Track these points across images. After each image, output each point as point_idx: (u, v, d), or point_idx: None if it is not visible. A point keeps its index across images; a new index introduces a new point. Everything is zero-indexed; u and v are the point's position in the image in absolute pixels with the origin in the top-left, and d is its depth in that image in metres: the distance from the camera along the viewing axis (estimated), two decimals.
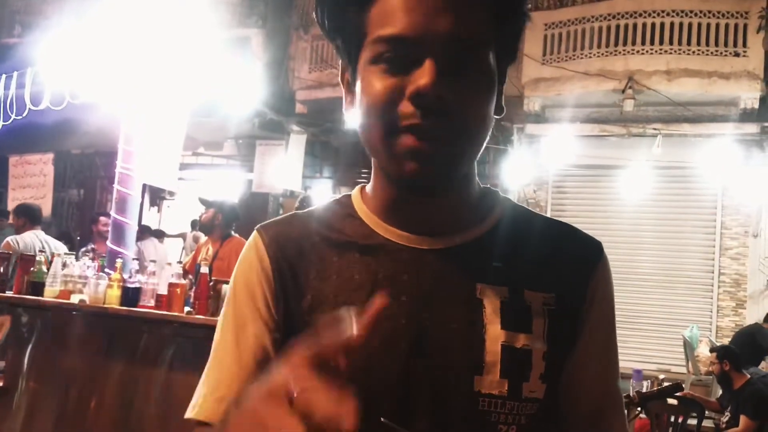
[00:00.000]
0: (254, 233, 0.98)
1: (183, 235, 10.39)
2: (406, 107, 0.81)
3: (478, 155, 0.89)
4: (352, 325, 0.63)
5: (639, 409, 2.72)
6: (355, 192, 0.99)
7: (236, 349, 0.92)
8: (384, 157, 0.87)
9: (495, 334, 0.86)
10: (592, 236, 0.98)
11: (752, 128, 9.19)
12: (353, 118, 0.89)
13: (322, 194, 9.35)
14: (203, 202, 5.52)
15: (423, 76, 0.79)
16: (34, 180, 10.58)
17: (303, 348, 0.62)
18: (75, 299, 4.02)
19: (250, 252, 0.96)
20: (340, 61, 0.92)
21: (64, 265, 4.15)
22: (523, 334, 0.87)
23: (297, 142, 10.11)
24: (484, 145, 0.88)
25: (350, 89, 0.91)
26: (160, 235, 10.00)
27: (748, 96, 9.04)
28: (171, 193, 11.41)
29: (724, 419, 5.44)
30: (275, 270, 0.92)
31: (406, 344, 0.85)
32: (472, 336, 0.86)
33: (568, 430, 0.93)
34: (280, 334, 0.91)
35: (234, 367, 0.91)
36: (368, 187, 0.97)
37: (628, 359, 8.79)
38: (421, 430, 0.84)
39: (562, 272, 0.92)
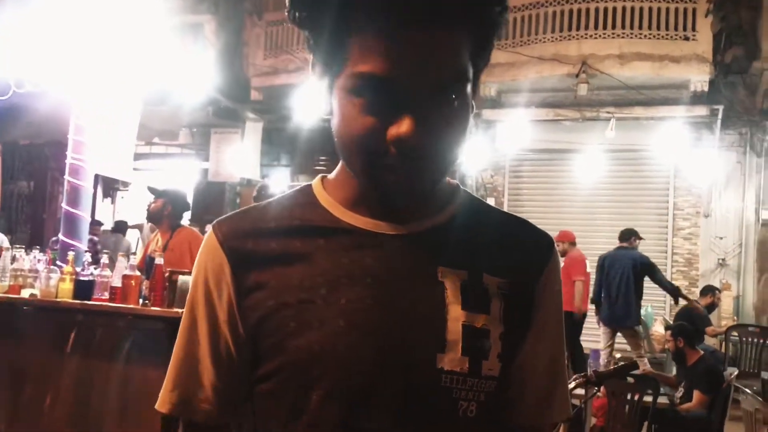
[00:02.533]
0: (209, 230, 0.98)
1: (140, 226, 10.21)
2: (386, 147, 0.83)
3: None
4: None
5: (596, 388, 2.77)
6: (316, 182, 1.00)
7: (196, 345, 0.96)
8: (364, 183, 0.90)
9: (456, 314, 0.89)
10: (544, 231, 1.04)
11: (702, 111, 9.40)
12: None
13: (281, 182, 9.26)
14: (152, 191, 5.38)
15: (404, 125, 0.81)
16: None
17: None
18: (26, 294, 3.92)
19: (207, 250, 0.97)
20: (312, 55, 0.91)
21: (14, 259, 4.04)
22: (482, 315, 0.91)
23: (253, 129, 10.00)
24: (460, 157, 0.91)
25: (325, 89, 0.91)
26: (123, 227, 9.83)
27: (698, 79, 9.22)
28: (125, 184, 11.20)
29: (678, 395, 5.57)
30: (232, 266, 0.93)
31: (371, 324, 0.88)
32: (435, 316, 0.89)
33: (514, 411, 0.98)
34: (245, 325, 0.93)
35: (196, 364, 0.96)
36: (331, 177, 0.99)
37: (584, 339, 8.94)
38: (386, 405, 0.87)
39: (517, 260, 0.96)
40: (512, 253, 0.97)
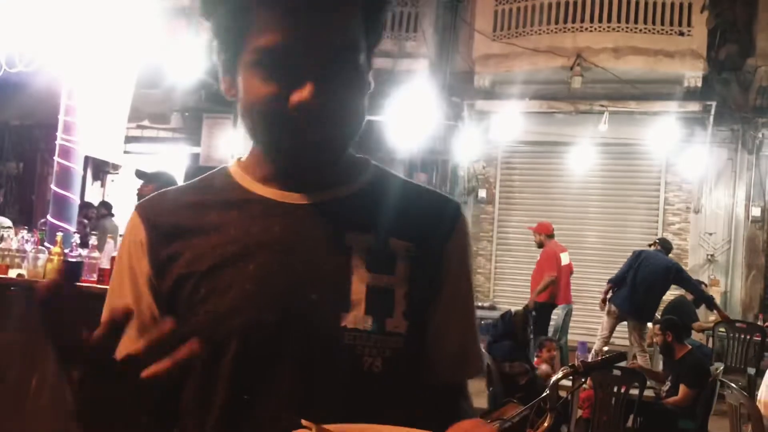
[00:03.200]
0: (132, 212, 1.03)
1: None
2: (288, 114, 0.88)
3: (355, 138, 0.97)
4: None
5: (584, 379, 2.77)
6: (232, 162, 1.06)
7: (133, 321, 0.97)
8: (268, 151, 0.96)
9: (361, 275, 0.94)
10: (453, 198, 1.10)
11: (695, 106, 9.41)
12: (234, 100, 0.96)
13: None
14: (140, 174, 5.34)
15: (303, 90, 0.87)
16: None
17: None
18: (13, 274, 3.90)
19: (128, 228, 1.02)
20: (216, 42, 0.96)
21: (1, 239, 4.01)
22: (387, 276, 0.96)
23: None
24: (361, 128, 0.96)
25: (227, 71, 0.96)
26: (107, 208, 9.75)
27: (692, 75, 9.23)
28: (115, 167, 11.12)
29: (665, 388, 5.60)
30: (150, 242, 0.98)
31: (277, 287, 0.93)
32: (340, 278, 0.94)
33: (431, 364, 1.02)
34: (161, 296, 0.97)
35: (133, 340, 0.95)
36: (244, 158, 1.05)
37: (573, 332, 8.98)
38: (291, 364, 0.91)
39: (425, 226, 1.02)
40: (420, 219, 1.02)
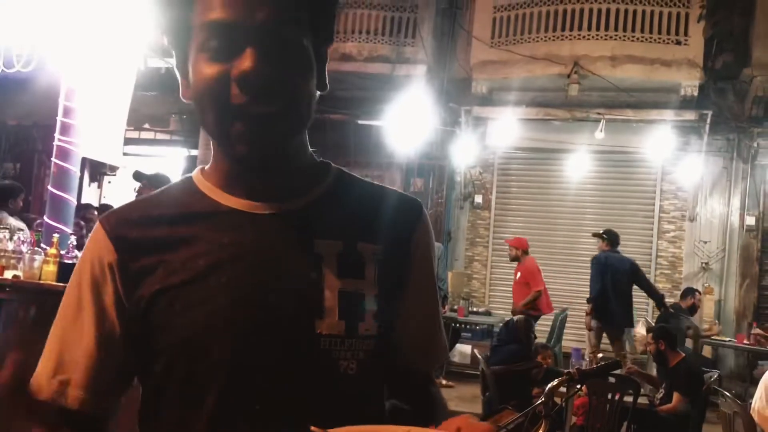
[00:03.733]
0: (97, 224, 1.02)
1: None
2: (233, 90, 0.89)
3: (306, 127, 0.99)
4: None
5: (579, 386, 2.78)
6: (195, 172, 1.06)
7: (78, 333, 0.98)
8: (218, 139, 0.96)
9: (332, 282, 0.96)
10: (414, 197, 1.12)
11: (691, 115, 9.44)
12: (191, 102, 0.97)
13: None
14: (138, 176, 5.35)
15: (245, 61, 0.88)
16: None
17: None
18: (8, 275, 3.89)
19: (93, 241, 1.00)
20: (174, 51, 0.99)
21: None
22: (357, 280, 0.98)
23: None
24: (311, 117, 0.97)
25: (184, 75, 0.99)
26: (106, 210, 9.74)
27: (688, 83, 9.27)
28: (112, 169, 11.12)
29: (659, 396, 5.62)
30: (120, 258, 0.97)
31: (251, 299, 0.93)
32: (312, 286, 0.96)
33: (400, 359, 1.07)
34: (130, 312, 0.96)
35: (78, 351, 0.97)
36: (207, 166, 1.05)
37: (567, 339, 9.00)
38: (269, 373, 0.93)
39: (388, 227, 1.04)
40: (384, 221, 1.04)
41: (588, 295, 8.10)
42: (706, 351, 8.67)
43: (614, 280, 7.68)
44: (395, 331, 1.03)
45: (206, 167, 1.05)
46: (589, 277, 8.13)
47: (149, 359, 0.96)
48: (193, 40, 0.93)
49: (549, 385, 2.22)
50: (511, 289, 8.74)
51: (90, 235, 1.03)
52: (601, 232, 8.20)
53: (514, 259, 8.55)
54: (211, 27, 0.90)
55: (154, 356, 0.95)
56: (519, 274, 8.43)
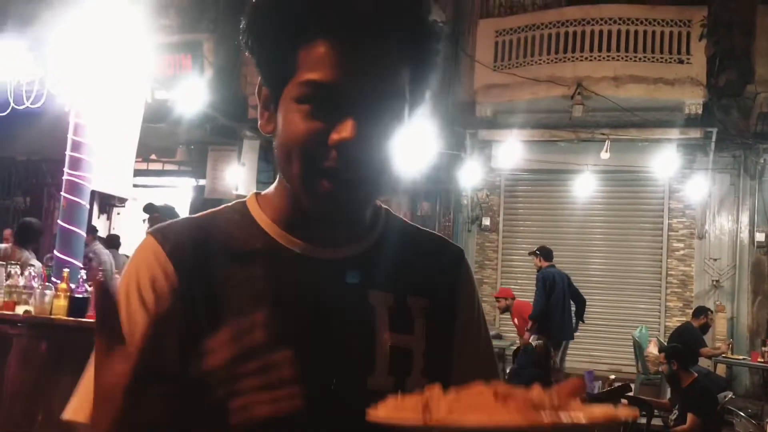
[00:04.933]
0: (149, 238, 0.96)
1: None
2: (327, 152, 0.86)
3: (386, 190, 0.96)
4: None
5: None
6: (251, 199, 1.02)
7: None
8: (300, 191, 0.92)
9: (384, 336, 0.95)
10: (456, 245, 1.11)
11: (696, 133, 9.46)
12: (271, 139, 0.94)
13: None
14: (149, 208, 5.42)
15: (346, 129, 0.85)
16: None
17: None
18: (20, 310, 3.91)
19: (147, 258, 0.94)
20: (260, 77, 0.95)
21: (9, 275, 4.04)
22: (407, 336, 0.97)
23: (250, 147, 10.03)
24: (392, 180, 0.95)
25: (267, 107, 0.95)
26: (115, 242, 9.78)
27: (692, 102, 9.30)
28: (121, 201, 11.19)
29: (672, 417, 5.56)
30: (179, 274, 0.92)
31: (303, 348, 0.87)
32: (366, 339, 0.94)
33: None
34: (178, 339, 0.90)
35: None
36: (267, 193, 1.01)
37: (579, 360, 8.95)
38: (322, 427, 0.90)
39: (435, 279, 1.03)
40: (432, 272, 1.03)
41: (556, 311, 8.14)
42: (720, 370, 8.59)
43: (560, 295, 7.98)
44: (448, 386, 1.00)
45: (263, 193, 1.01)
46: (599, 297, 8.13)
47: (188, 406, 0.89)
48: (290, 86, 0.89)
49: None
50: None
51: (139, 250, 0.96)
52: (534, 249, 8.53)
53: (504, 309, 8.70)
54: (315, 87, 0.86)
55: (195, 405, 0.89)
56: (516, 319, 8.51)
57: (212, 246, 0.95)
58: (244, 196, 1.06)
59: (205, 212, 1.01)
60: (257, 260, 0.94)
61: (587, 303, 8.45)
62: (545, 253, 8.33)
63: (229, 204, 1.03)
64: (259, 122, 0.96)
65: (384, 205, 1.08)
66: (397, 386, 0.93)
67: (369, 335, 0.94)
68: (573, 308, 8.25)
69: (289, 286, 0.93)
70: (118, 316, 0.83)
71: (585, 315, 8.40)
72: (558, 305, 7.93)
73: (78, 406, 0.93)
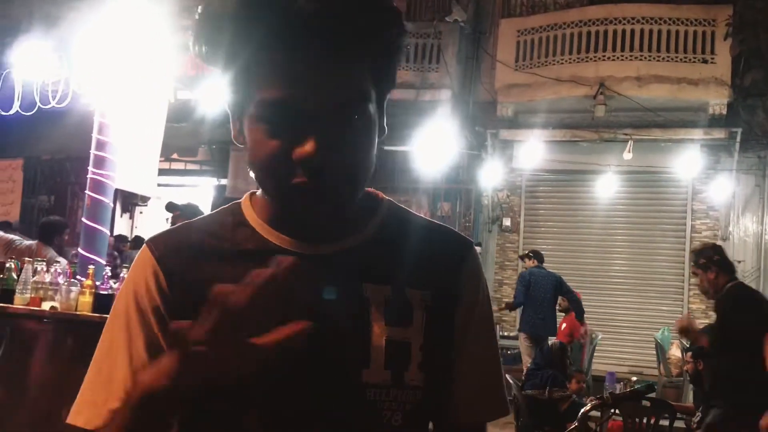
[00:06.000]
0: (144, 247, 0.99)
1: None
2: (294, 168, 0.86)
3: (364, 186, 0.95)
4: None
5: (612, 410, 2.76)
6: (245, 199, 1.03)
7: (128, 362, 0.94)
8: (279, 205, 0.93)
9: (379, 329, 0.93)
10: (465, 236, 1.08)
11: (720, 133, 9.35)
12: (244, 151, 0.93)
13: None
14: (171, 207, 5.47)
15: (307, 144, 0.84)
16: (3, 186, 10.42)
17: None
18: (46, 306, 3.96)
19: (143, 267, 0.97)
20: (227, 91, 0.94)
21: (35, 272, 4.09)
22: (404, 329, 0.95)
23: None
24: (370, 175, 0.93)
25: (236, 117, 0.94)
26: (140, 244, 9.90)
27: (716, 102, 9.19)
28: (144, 200, 11.31)
29: (695, 419, 5.50)
30: (170, 283, 0.94)
31: (299, 345, 0.89)
32: (360, 333, 0.93)
33: (452, 413, 1.01)
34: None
35: (128, 381, 0.93)
36: (259, 194, 1.01)
37: (601, 362, 8.88)
38: (313, 422, 0.90)
39: (437, 271, 1.00)
40: (434, 264, 1.00)
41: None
42: None
43: (541, 294, 8.20)
44: (447, 383, 0.99)
45: (257, 194, 1.02)
46: (621, 298, 8.08)
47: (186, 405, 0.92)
48: (249, 105, 0.89)
49: (582, 410, 2.21)
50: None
51: (136, 258, 0.99)
52: (528, 252, 8.76)
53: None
54: (270, 105, 0.86)
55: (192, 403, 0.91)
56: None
57: (205, 249, 0.97)
58: None
59: (202, 216, 1.04)
60: (248, 259, 0.93)
61: (609, 304, 8.43)
62: (538, 256, 8.55)
63: (226, 206, 1.04)
64: (231, 133, 0.96)
65: (386, 197, 1.06)
66: (394, 380, 0.93)
67: (363, 328, 0.93)
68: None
69: (277, 285, 0.89)
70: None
71: (598, 315, 8.41)
72: (537, 302, 8.17)
73: (78, 411, 0.95)
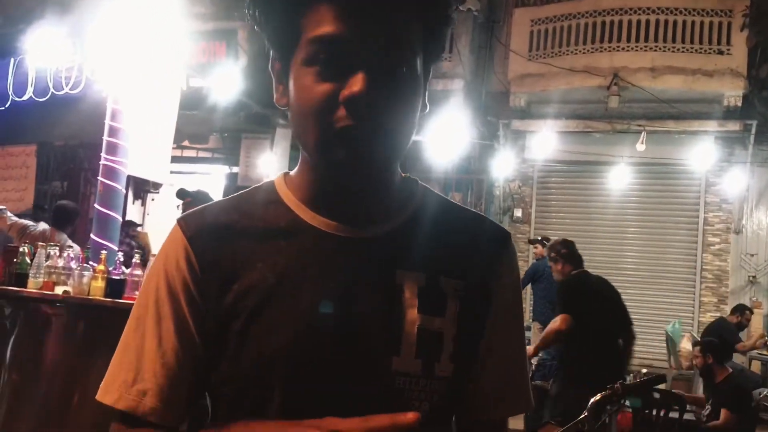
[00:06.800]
0: (174, 226, 0.98)
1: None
2: (339, 112, 0.84)
3: (405, 152, 0.93)
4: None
5: (623, 401, 2.77)
6: (278, 178, 1.01)
7: (157, 343, 0.93)
8: (316, 159, 0.91)
9: (412, 317, 0.91)
10: (502, 226, 1.06)
11: (735, 126, 9.28)
12: (286, 111, 0.93)
13: None
14: (182, 193, 5.48)
15: (356, 83, 0.83)
16: (17, 172, 10.47)
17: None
18: (59, 291, 3.99)
19: (174, 247, 0.95)
20: (271, 51, 0.94)
21: (48, 256, 4.12)
22: (437, 318, 0.93)
23: (283, 135, 10.08)
24: (411, 142, 0.92)
25: (280, 80, 0.94)
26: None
27: (732, 94, 9.11)
28: (155, 186, 11.33)
29: (705, 412, 5.49)
30: (201, 263, 0.93)
31: (329, 329, 0.89)
32: (391, 320, 0.91)
33: (475, 406, 1.00)
34: (205, 327, 0.93)
35: (157, 362, 0.92)
36: (294, 173, 1.00)
37: None
38: (340, 407, 0.87)
39: (473, 260, 0.98)
40: (469, 253, 0.98)
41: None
42: (755, 367, 8.45)
43: (547, 283, 7.96)
44: (474, 375, 0.98)
45: (291, 173, 1.00)
46: (633, 290, 8.00)
47: (216, 381, 0.93)
48: (299, 51, 0.87)
49: (592, 400, 2.20)
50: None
51: (167, 237, 0.98)
52: (539, 238, 8.52)
53: None
54: (323, 42, 0.85)
55: (222, 380, 0.92)
56: None
57: (236, 227, 0.95)
58: None
59: (234, 194, 1.02)
60: (281, 239, 0.93)
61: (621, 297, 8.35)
62: (551, 245, 8.40)
63: (259, 184, 1.03)
64: (274, 96, 0.95)
65: (423, 182, 1.04)
66: (424, 370, 0.91)
67: (395, 315, 0.91)
68: None
69: (313, 265, 0.91)
70: None
71: None
72: (550, 292, 7.87)
73: (106, 389, 0.95)
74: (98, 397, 0.94)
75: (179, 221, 0.98)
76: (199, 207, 1.01)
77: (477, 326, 0.97)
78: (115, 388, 0.93)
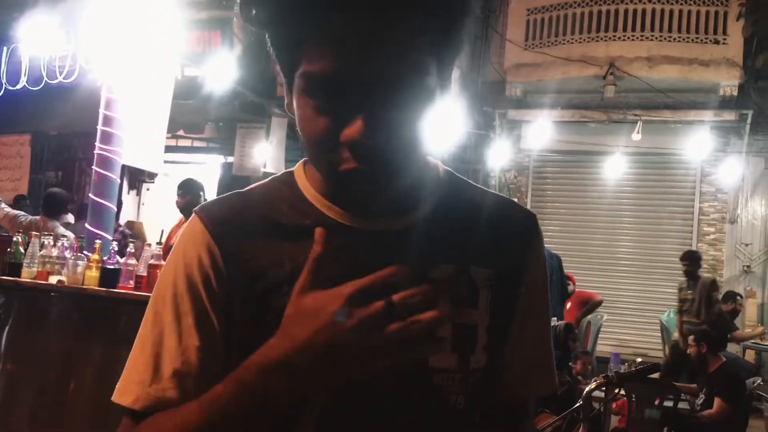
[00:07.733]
0: (194, 217, 0.94)
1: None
2: (343, 153, 0.79)
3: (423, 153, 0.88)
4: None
5: (617, 390, 2.77)
6: (298, 169, 0.97)
7: (176, 343, 0.89)
8: (328, 182, 0.88)
9: (446, 311, 0.87)
10: (529, 209, 1.04)
11: (731, 115, 9.28)
12: (281, 101, 0.89)
13: None
14: (183, 185, 5.50)
15: (355, 128, 0.77)
16: (11, 162, 10.44)
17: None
18: (53, 280, 3.98)
19: (194, 242, 0.91)
20: (278, 64, 0.88)
21: (42, 246, 4.11)
22: (470, 309, 0.92)
23: (279, 125, 10.05)
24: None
25: (288, 90, 0.87)
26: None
27: (728, 83, 9.11)
28: (151, 176, 11.31)
29: (699, 401, 5.52)
30: (225, 258, 0.89)
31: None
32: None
33: (504, 388, 0.99)
34: (228, 325, 0.89)
35: (177, 360, 0.89)
36: (310, 165, 0.96)
37: (606, 343, 8.90)
38: (378, 404, 0.86)
39: (502, 247, 0.96)
40: (497, 240, 0.96)
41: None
42: (749, 356, 8.50)
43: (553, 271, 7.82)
44: (506, 361, 0.97)
45: (310, 163, 0.94)
46: (628, 280, 8.02)
47: None
48: (298, 77, 0.81)
49: (587, 389, 2.21)
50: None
51: (185, 230, 0.93)
52: None
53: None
54: (315, 80, 0.78)
55: None
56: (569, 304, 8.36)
57: (258, 223, 0.91)
58: (272, 174, 1.01)
59: (253, 185, 0.98)
60: (305, 235, 0.86)
61: (615, 286, 8.42)
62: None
63: (277, 175, 0.99)
64: (285, 102, 0.90)
65: (446, 167, 1.01)
66: (460, 364, 0.90)
67: (427, 310, 0.85)
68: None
69: (339, 261, 0.84)
70: None
71: (604, 296, 8.43)
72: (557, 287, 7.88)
73: (123, 390, 0.91)
74: (114, 398, 0.90)
75: (197, 213, 0.94)
76: (216, 198, 0.96)
77: (508, 313, 0.96)
78: (131, 388, 0.89)
